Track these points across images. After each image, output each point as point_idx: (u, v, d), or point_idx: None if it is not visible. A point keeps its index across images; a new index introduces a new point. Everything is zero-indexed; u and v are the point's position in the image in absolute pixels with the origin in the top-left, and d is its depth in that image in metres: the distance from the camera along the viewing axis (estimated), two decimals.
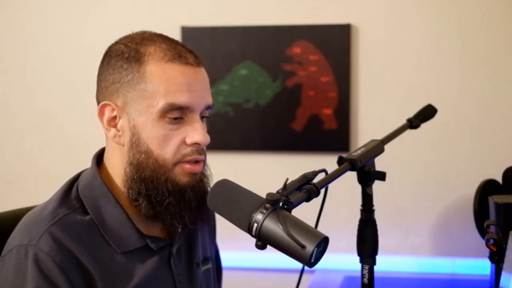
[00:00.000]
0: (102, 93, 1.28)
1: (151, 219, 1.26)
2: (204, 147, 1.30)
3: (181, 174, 1.25)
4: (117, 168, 1.27)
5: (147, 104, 1.23)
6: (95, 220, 1.24)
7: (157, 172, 1.23)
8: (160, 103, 1.22)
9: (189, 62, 1.25)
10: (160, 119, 1.23)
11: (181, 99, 1.22)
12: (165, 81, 1.23)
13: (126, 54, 1.25)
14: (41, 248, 1.16)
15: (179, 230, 1.28)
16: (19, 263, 1.17)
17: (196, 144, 1.24)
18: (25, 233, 1.20)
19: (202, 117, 1.29)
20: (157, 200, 1.24)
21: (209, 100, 1.28)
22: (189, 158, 1.24)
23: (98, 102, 1.29)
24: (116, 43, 1.29)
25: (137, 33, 1.30)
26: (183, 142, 1.24)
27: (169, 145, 1.23)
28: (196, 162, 1.26)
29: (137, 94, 1.23)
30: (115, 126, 1.26)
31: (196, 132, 1.24)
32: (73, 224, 1.21)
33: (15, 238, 1.22)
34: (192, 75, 1.25)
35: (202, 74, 1.28)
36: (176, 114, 1.23)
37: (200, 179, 1.28)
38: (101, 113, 1.27)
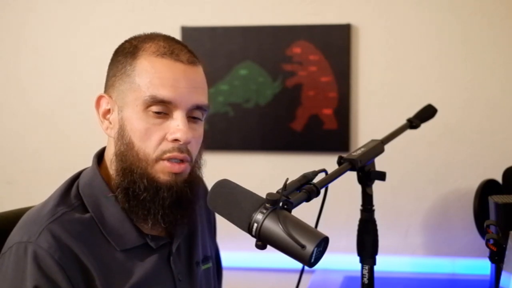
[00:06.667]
0: (104, 87, 1.31)
1: (128, 213, 1.26)
2: (195, 151, 1.29)
3: (161, 172, 1.24)
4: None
5: (134, 97, 1.24)
6: (94, 218, 1.25)
7: (136, 165, 1.24)
8: (144, 96, 1.23)
9: (179, 59, 1.26)
10: (144, 112, 1.24)
11: (163, 92, 1.23)
12: (151, 74, 1.24)
13: (126, 50, 1.28)
14: (40, 245, 1.17)
15: (149, 225, 1.27)
16: (19, 260, 1.17)
17: (176, 140, 1.24)
18: (25, 231, 1.21)
19: (192, 118, 1.28)
20: (133, 194, 1.24)
21: (199, 99, 1.27)
22: (169, 154, 1.24)
23: None
24: (125, 41, 1.32)
25: (146, 33, 1.32)
26: (164, 138, 1.24)
27: (150, 139, 1.24)
28: (180, 161, 1.25)
29: (126, 86, 1.25)
30: (108, 118, 1.29)
31: (177, 129, 1.23)
32: (72, 221, 1.22)
33: (14, 235, 1.22)
34: (181, 72, 1.25)
35: (193, 73, 1.28)
36: (159, 108, 1.23)
37: (182, 180, 1.26)
38: (97, 105, 1.30)
